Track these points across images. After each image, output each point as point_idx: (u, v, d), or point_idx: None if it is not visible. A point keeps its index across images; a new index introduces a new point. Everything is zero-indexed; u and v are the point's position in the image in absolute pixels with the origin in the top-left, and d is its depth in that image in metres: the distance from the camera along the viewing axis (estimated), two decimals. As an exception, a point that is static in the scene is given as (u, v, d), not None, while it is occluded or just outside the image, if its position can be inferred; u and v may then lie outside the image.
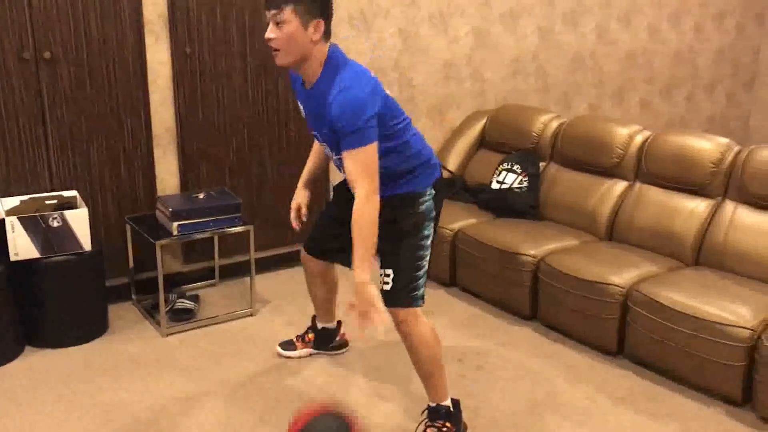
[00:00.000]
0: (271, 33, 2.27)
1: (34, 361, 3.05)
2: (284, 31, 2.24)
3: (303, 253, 2.90)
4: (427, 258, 2.49)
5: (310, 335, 3.13)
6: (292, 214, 2.79)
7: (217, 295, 3.75)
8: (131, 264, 3.57)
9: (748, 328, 2.70)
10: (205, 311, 3.55)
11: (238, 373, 2.99)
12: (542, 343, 3.32)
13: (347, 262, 2.64)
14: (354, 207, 2.24)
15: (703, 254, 3.31)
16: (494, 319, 3.54)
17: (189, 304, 3.50)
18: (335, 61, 2.32)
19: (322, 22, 2.26)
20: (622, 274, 3.14)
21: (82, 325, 3.22)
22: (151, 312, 3.48)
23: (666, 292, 2.94)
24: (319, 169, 2.84)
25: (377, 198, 2.25)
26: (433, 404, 2.51)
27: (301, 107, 2.52)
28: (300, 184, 2.83)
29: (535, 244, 3.48)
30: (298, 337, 3.15)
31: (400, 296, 2.43)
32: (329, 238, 2.76)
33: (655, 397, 2.87)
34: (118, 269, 3.57)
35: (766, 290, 2.96)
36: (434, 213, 2.52)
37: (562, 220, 3.84)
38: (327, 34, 2.30)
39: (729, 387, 2.77)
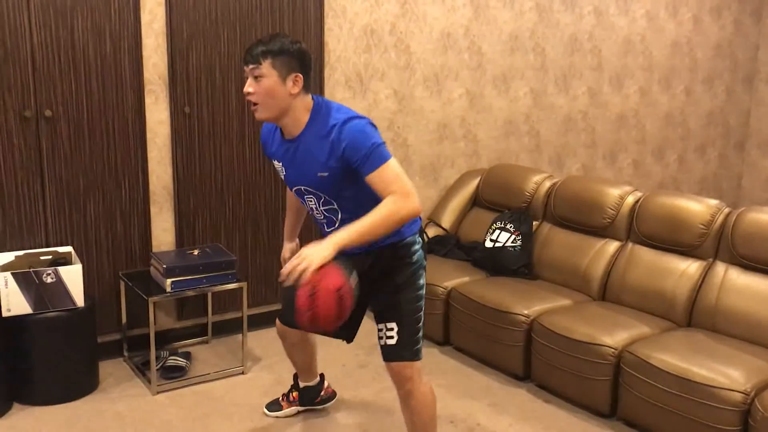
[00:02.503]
0: (249, 87, 2.29)
1: (19, 419, 3.01)
2: (262, 85, 2.26)
3: (279, 325, 2.85)
4: (422, 311, 2.50)
5: (295, 393, 3.10)
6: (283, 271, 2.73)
7: (209, 353, 3.73)
8: (124, 320, 3.57)
9: (741, 392, 2.69)
10: (196, 369, 3.52)
11: (227, 433, 2.96)
12: (535, 404, 3.29)
13: (334, 334, 2.64)
14: (388, 199, 2.18)
15: (695, 315, 3.32)
16: (487, 379, 3.52)
17: (180, 361, 3.48)
18: (323, 107, 2.33)
19: (300, 76, 2.28)
20: (615, 335, 3.14)
21: (71, 382, 3.19)
22: (142, 369, 3.45)
23: (658, 353, 2.94)
24: (298, 224, 2.87)
25: (415, 203, 2.21)
26: None
27: (278, 163, 2.47)
28: (286, 237, 2.88)
29: (528, 304, 3.49)
30: (283, 396, 3.13)
31: (407, 349, 2.43)
32: None
33: (649, 462, 2.84)
34: (111, 325, 3.56)
35: (758, 353, 2.96)
36: (425, 262, 2.53)
37: (555, 280, 3.85)
38: (307, 87, 2.32)
39: (723, 451, 2.74)
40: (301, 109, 2.32)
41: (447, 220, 4.49)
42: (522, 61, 4.87)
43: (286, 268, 2.12)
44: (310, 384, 3.09)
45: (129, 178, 3.49)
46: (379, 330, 2.47)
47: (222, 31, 3.60)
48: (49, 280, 3.05)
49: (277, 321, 2.86)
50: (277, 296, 4.00)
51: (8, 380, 3.07)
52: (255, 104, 2.30)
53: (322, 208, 2.43)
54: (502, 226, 4.06)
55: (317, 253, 2.10)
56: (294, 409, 3.10)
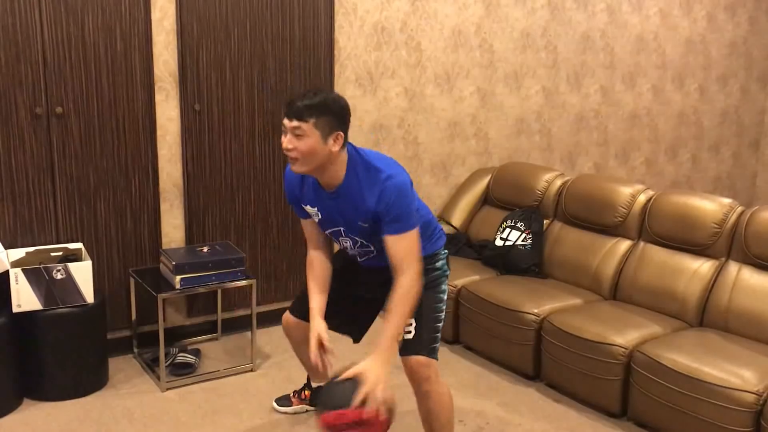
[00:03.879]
0: (289, 144, 2.24)
1: (30, 415, 3.03)
2: (304, 143, 2.22)
3: (288, 320, 2.78)
4: (443, 313, 2.53)
5: (307, 392, 3.10)
6: (314, 351, 2.46)
7: (219, 350, 3.73)
8: (134, 317, 3.58)
9: (753, 393, 2.66)
10: (205, 365, 3.53)
11: (234, 430, 2.95)
12: (545, 403, 3.27)
13: (343, 330, 2.70)
14: (402, 284, 2.26)
15: (707, 315, 3.28)
16: (497, 378, 3.50)
17: (190, 358, 3.49)
18: (359, 158, 2.34)
19: (341, 134, 2.26)
20: (626, 334, 3.11)
21: (81, 378, 3.20)
22: (151, 365, 3.46)
23: (669, 353, 2.91)
24: (325, 291, 2.60)
25: (421, 283, 2.32)
26: None
27: (313, 209, 2.47)
28: (316, 313, 2.52)
29: (538, 303, 3.46)
30: (294, 392, 3.13)
31: (423, 344, 2.44)
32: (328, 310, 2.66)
33: (660, 462, 2.81)
34: (121, 321, 3.57)
35: (771, 353, 2.93)
36: (449, 272, 2.60)
37: (566, 279, 3.83)
38: (346, 141, 2.31)
39: (735, 453, 2.71)
40: (340, 162, 2.32)
41: (457, 218, 4.47)
42: (534, 59, 4.84)
43: (361, 401, 2.11)
44: (323, 385, 3.07)
45: (139, 175, 3.50)
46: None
47: (232, 29, 3.61)
48: (59, 276, 3.06)
49: (287, 315, 2.79)
50: (286, 293, 4.01)
51: (19, 376, 3.08)
52: (294, 159, 2.27)
53: (357, 249, 2.51)
54: (513, 224, 4.03)
55: (383, 376, 2.17)
56: (303, 407, 3.10)
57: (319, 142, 2.22)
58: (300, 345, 2.89)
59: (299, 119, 2.20)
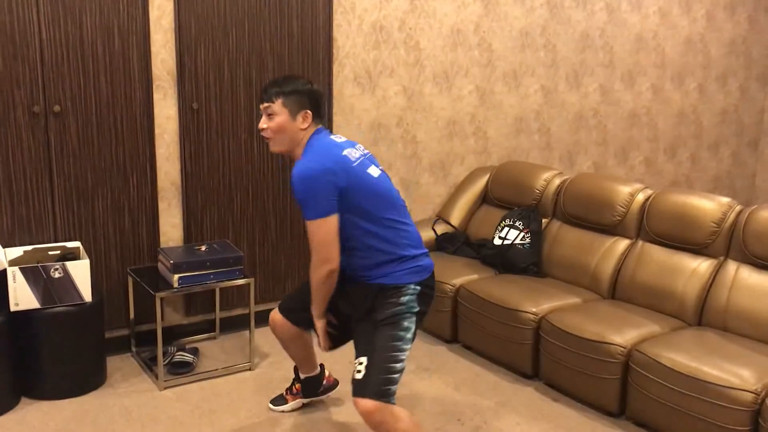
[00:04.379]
0: (263, 123, 2.52)
1: (28, 414, 3.02)
2: (275, 121, 2.48)
3: (275, 318, 2.87)
4: (405, 354, 2.40)
5: (297, 386, 3.11)
6: (322, 333, 2.65)
7: (217, 348, 3.73)
8: (132, 315, 3.57)
9: (752, 392, 2.65)
10: (203, 364, 3.52)
11: (232, 428, 2.95)
12: (543, 402, 3.26)
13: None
14: (311, 264, 2.47)
15: (706, 314, 3.28)
16: (495, 378, 3.50)
17: (188, 357, 3.49)
18: (311, 144, 2.50)
19: (309, 113, 2.49)
20: (624, 333, 3.11)
21: (79, 377, 3.20)
22: (149, 364, 3.46)
23: (668, 353, 2.91)
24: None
25: (324, 270, 2.44)
26: None
27: None
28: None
29: (536, 302, 3.46)
30: (286, 390, 3.13)
31: (371, 387, 2.31)
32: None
33: (658, 462, 2.81)
34: (119, 320, 3.57)
35: (769, 352, 2.92)
36: (417, 309, 2.46)
37: (564, 278, 3.82)
38: (316, 120, 2.53)
39: (733, 452, 2.70)
40: (302, 145, 2.51)
41: (456, 217, 4.46)
42: (533, 58, 4.84)
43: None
44: (311, 375, 3.08)
45: (137, 173, 3.50)
46: (354, 365, 2.41)
47: (230, 28, 3.60)
48: (56, 275, 3.06)
49: (275, 313, 2.87)
50: (284, 292, 4.00)
51: (16, 374, 3.08)
52: (268, 138, 2.53)
53: None
54: (512, 223, 4.03)
55: (318, 327, 2.63)
56: (299, 401, 3.10)
57: (288, 119, 2.47)
58: (289, 341, 2.91)
59: (269, 100, 2.49)
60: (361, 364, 2.36)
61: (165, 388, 3.28)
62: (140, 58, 3.40)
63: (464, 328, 3.76)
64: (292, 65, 3.81)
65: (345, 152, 2.46)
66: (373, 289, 2.46)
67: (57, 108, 3.23)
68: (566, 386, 3.28)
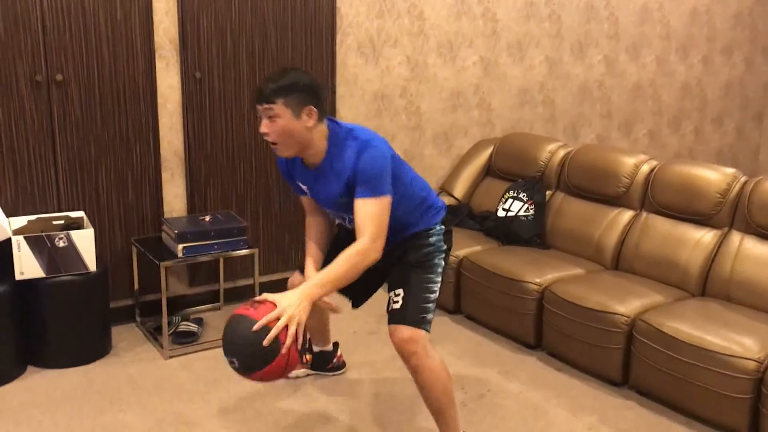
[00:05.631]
0: (264, 128, 2.28)
1: (34, 381, 3.04)
2: (278, 124, 2.26)
3: (295, 282, 2.74)
4: (437, 288, 2.49)
5: (308, 356, 3.11)
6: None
7: (221, 319, 3.74)
8: (136, 286, 3.58)
9: (754, 360, 2.67)
10: (208, 334, 3.54)
11: (237, 397, 2.97)
12: (546, 372, 3.28)
13: (344, 292, 2.65)
14: (356, 245, 2.23)
15: (709, 285, 3.29)
16: (498, 348, 3.52)
17: (192, 327, 3.50)
18: (339, 132, 2.36)
19: (314, 109, 2.28)
20: (627, 303, 3.11)
21: (84, 346, 3.22)
22: (154, 334, 3.47)
23: (671, 322, 2.92)
24: (322, 246, 2.66)
25: (374, 257, 2.25)
26: None
27: (304, 186, 2.53)
28: (310, 264, 2.59)
29: (540, 273, 3.46)
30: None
31: (410, 314, 2.39)
32: None
33: (660, 429, 2.83)
34: (124, 291, 3.58)
35: (773, 322, 2.93)
36: (444, 247, 2.54)
37: (568, 249, 3.82)
38: (322, 115, 2.33)
39: (735, 420, 2.72)
40: (320, 138, 2.34)
41: (459, 189, 4.45)
42: (537, 29, 4.79)
43: (268, 327, 2.02)
44: (325, 349, 3.11)
45: (140, 143, 3.48)
46: (389, 299, 2.47)
47: (233, -4, 3.56)
48: (61, 244, 3.06)
49: (295, 277, 2.78)
50: (288, 264, 4.01)
51: (22, 343, 3.10)
52: (274, 143, 2.30)
53: (350, 225, 2.47)
54: (515, 195, 4.02)
55: (301, 311, 2.08)
56: (304, 371, 3.12)
57: (292, 119, 2.25)
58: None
59: (268, 102, 2.24)
60: (398, 295, 2.43)
61: (170, 357, 3.29)
62: (142, 27, 3.37)
63: (467, 298, 3.77)
64: (295, 35, 3.78)
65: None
66: (403, 244, 2.51)
67: (59, 77, 3.21)
68: (569, 356, 3.30)
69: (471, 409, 2.93)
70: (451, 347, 3.49)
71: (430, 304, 2.44)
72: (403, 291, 2.43)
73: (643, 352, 2.97)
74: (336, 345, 3.15)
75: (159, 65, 3.47)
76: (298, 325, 2.06)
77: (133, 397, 2.94)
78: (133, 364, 3.23)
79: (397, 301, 2.42)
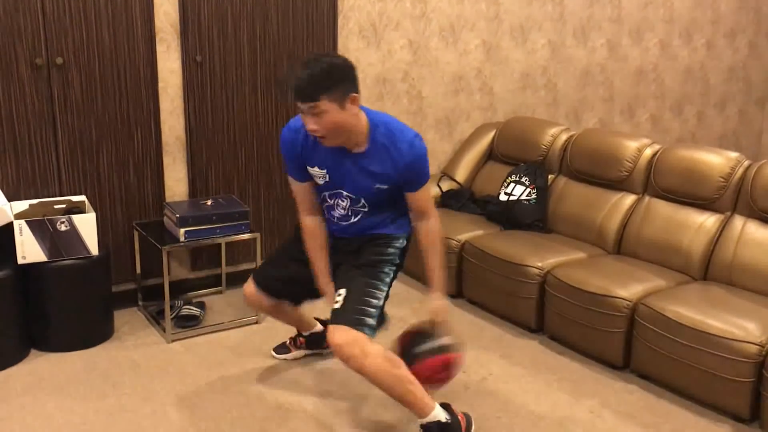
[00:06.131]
0: (313, 125, 2.24)
1: (37, 365, 3.06)
2: (326, 120, 2.22)
3: (250, 290, 2.79)
4: (381, 297, 2.48)
5: (301, 339, 3.13)
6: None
7: (223, 303, 3.75)
8: (138, 270, 3.59)
9: (756, 344, 2.67)
10: (210, 318, 3.55)
11: (239, 381, 2.98)
12: (547, 355, 3.29)
13: (309, 296, 2.74)
14: (431, 227, 2.53)
15: (712, 269, 3.29)
16: (500, 331, 3.52)
17: (195, 310, 3.51)
18: (379, 122, 2.40)
19: (355, 95, 2.26)
20: (629, 287, 3.11)
21: (87, 329, 3.23)
22: (156, 318, 3.48)
23: (673, 306, 2.92)
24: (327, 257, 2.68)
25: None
26: (424, 421, 2.42)
27: (321, 170, 2.47)
28: (325, 277, 2.65)
29: (542, 257, 3.46)
30: (290, 340, 3.15)
31: (349, 315, 2.38)
32: (292, 282, 2.73)
33: (661, 413, 2.84)
34: (126, 275, 3.58)
35: (774, 306, 2.93)
36: (398, 261, 2.59)
37: (570, 233, 3.82)
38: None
39: (736, 403, 2.73)
40: (362, 124, 2.35)
41: (461, 173, 4.45)
42: (540, 12, 4.76)
43: (441, 326, 2.55)
44: (314, 331, 3.12)
45: (141, 127, 3.47)
46: (335, 297, 2.48)
47: (234, -22, 3.54)
48: (63, 228, 3.06)
49: (249, 285, 2.79)
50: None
51: (25, 327, 3.10)
52: (323, 137, 2.29)
53: (352, 207, 2.51)
54: (518, 179, 4.01)
55: (447, 309, 2.60)
56: (301, 351, 3.14)
57: (339, 112, 2.22)
58: (272, 313, 2.93)
59: (312, 100, 2.18)
60: (339, 295, 2.45)
61: (172, 341, 3.30)
62: (143, 10, 3.34)
63: (469, 283, 3.77)
64: (296, 18, 3.75)
65: None
66: (364, 238, 2.55)
67: (60, 60, 3.19)
68: (571, 340, 3.31)
69: (473, 392, 2.94)
70: (453, 331, 3.49)
71: (372, 309, 2.42)
72: (345, 291, 2.44)
73: (644, 335, 2.98)
74: (324, 322, 3.13)
75: (160, 49, 3.45)
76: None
77: (136, 381, 2.95)
78: (136, 347, 3.24)
79: (338, 302, 2.43)
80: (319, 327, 3.12)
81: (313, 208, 2.62)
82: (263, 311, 2.92)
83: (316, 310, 3.11)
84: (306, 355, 3.15)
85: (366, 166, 2.40)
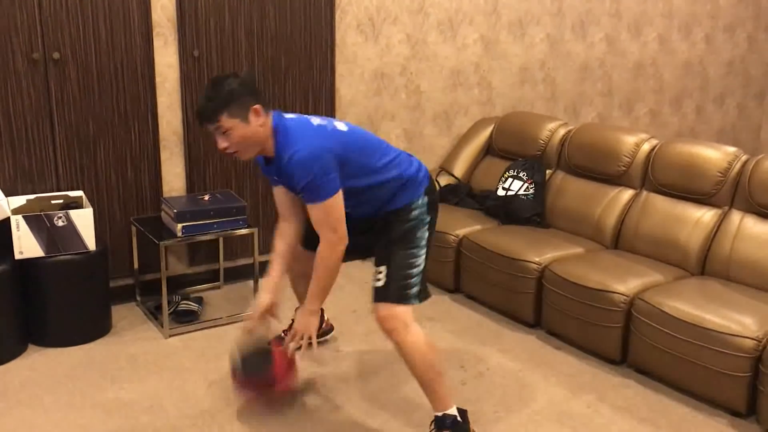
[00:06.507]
0: (223, 143, 2.34)
1: (35, 360, 3.06)
2: (233, 136, 2.31)
3: (301, 249, 2.81)
4: (422, 259, 2.50)
5: None
6: (256, 320, 2.66)
7: (221, 298, 3.75)
8: (136, 265, 3.58)
9: (753, 339, 2.67)
10: (208, 313, 3.55)
11: (238, 375, 2.98)
12: (545, 350, 3.29)
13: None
14: (318, 251, 2.39)
15: (709, 264, 3.29)
16: (497, 326, 3.53)
17: (192, 305, 3.51)
18: (285, 128, 2.38)
19: (258, 107, 2.32)
20: (627, 282, 3.12)
21: (85, 324, 3.23)
22: (154, 313, 3.48)
23: (670, 301, 2.92)
24: (285, 268, 2.73)
25: (341, 248, 2.38)
26: (439, 414, 2.45)
27: (281, 179, 2.54)
28: (268, 288, 2.67)
29: (539, 252, 3.46)
30: (285, 330, 3.13)
31: (393, 292, 2.42)
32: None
33: (658, 408, 2.84)
34: (124, 270, 3.58)
35: (772, 301, 2.94)
36: (429, 218, 2.53)
37: (568, 228, 3.82)
38: (266, 108, 2.37)
39: (733, 398, 2.73)
40: (270, 133, 2.38)
41: (459, 168, 4.44)
42: (538, 6, 4.75)
43: (292, 345, 2.55)
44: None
45: (139, 122, 3.47)
46: (373, 274, 2.49)
47: (231, -27, 3.53)
48: (60, 223, 3.06)
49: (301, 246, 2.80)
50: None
51: (23, 322, 3.10)
52: (234, 153, 2.37)
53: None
54: (515, 174, 4.01)
55: (312, 327, 2.52)
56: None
57: (244, 126, 2.31)
58: (299, 277, 2.91)
59: (212, 122, 2.30)
60: (380, 272, 2.45)
61: (170, 336, 3.31)
62: (140, 4, 3.34)
63: (467, 278, 3.77)
64: (294, 12, 3.74)
65: (316, 122, 2.43)
66: (384, 216, 2.52)
67: (56, 55, 3.19)
68: (568, 335, 3.31)
69: (470, 387, 2.95)
70: (451, 326, 3.50)
71: (414, 278, 2.46)
72: (386, 268, 2.45)
73: (642, 330, 2.98)
74: (322, 310, 3.12)
75: (157, 43, 3.44)
76: (310, 337, 2.51)
77: (134, 376, 2.96)
78: (134, 342, 3.25)
79: (380, 279, 2.45)
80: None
81: (288, 212, 2.66)
82: (298, 276, 2.87)
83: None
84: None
85: (281, 172, 2.43)
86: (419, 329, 2.45)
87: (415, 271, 2.46)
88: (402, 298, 2.42)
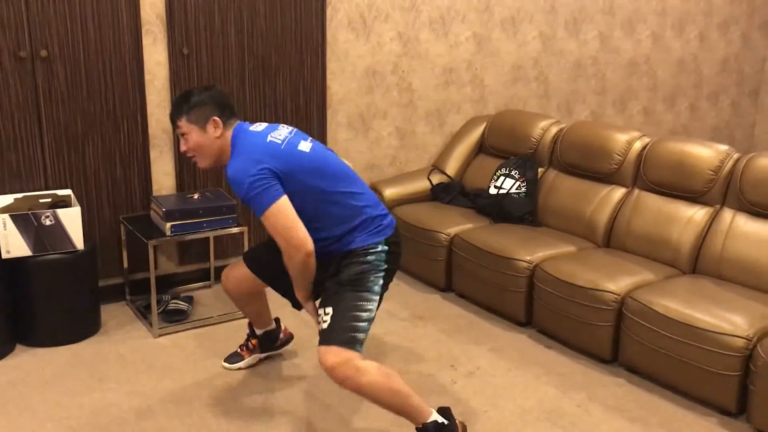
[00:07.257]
0: (183, 146, 2.53)
1: (23, 360, 3.04)
2: (190, 141, 2.48)
3: (236, 274, 2.79)
4: (372, 307, 2.39)
5: (253, 341, 3.04)
6: (314, 313, 2.56)
7: (211, 297, 3.74)
8: (125, 264, 3.56)
9: (744, 338, 2.66)
10: (198, 312, 3.53)
11: (226, 375, 2.97)
12: (536, 349, 3.28)
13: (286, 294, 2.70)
14: (283, 253, 2.38)
15: (701, 262, 3.28)
16: (488, 325, 3.51)
17: (182, 305, 3.49)
18: (235, 144, 2.44)
19: (217, 119, 2.45)
20: (618, 281, 3.11)
21: (74, 324, 3.21)
22: (144, 312, 3.46)
23: (661, 299, 2.91)
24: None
25: (300, 251, 2.32)
26: (420, 426, 2.38)
27: None
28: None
29: (531, 250, 3.45)
30: (241, 346, 3.06)
31: (338, 335, 2.30)
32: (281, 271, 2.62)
33: (648, 406, 2.83)
34: (113, 269, 3.56)
35: (762, 299, 2.93)
36: (384, 266, 2.44)
37: (560, 226, 3.81)
38: (230, 121, 2.48)
39: (723, 397, 2.73)
40: (228, 147, 2.47)
41: (452, 167, 4.43)
42: (531, 4, 4.73)
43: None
44: (268, 329, 3.04)
45: (128, 120, 3.44)
46: (318, 316, 2.40)
47: (220, -30, 3.50)
48: (47, 222, 3.03)
49: (234, 270, 2.80)
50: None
51: (11, 321, 3.08)
52: (193, 157, 2.53)
53: None
54: (507, 172, 4.00)
55: (311, 308, 2.56)
56: (256, 357, 3.05)
57: (200, 134, 2.46)
58: (245, 299, 2.88)
59: (174, 123, 2.50)
60: (327, 314, 2.35)
61: (160, 335, 3.29)
62: (128, 1, 3.31)
63: (458, 276, 3.76)
64: (284, 9, 3.72)
65: (270, 138, 2.39)
66: (338, 256, 2.45)
67: (44, 53, 3.16)
68: (559, 333, 3.30)
69: (461, 386, 2.93)
70: (442, 324, 3.49)
71: (363, 323, 2.35)
72: (332, 310, 2.35)
73: (632, 329, 2.97)
74: (278, 320, 3.08)
75: (146, 41, 3.42)
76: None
77: (123, 375, 2.94)
78: (123, 342, 3.23)
79: (326, 320, 2.34)
80: (272, 325, 3.05)
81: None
82: (242, 299, 2.85)
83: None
84: (260, 360, 3.07)
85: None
86: (370, 363, 2.30)
87: (364, 315, 2.35)
88: (348, 342, 2.30)
